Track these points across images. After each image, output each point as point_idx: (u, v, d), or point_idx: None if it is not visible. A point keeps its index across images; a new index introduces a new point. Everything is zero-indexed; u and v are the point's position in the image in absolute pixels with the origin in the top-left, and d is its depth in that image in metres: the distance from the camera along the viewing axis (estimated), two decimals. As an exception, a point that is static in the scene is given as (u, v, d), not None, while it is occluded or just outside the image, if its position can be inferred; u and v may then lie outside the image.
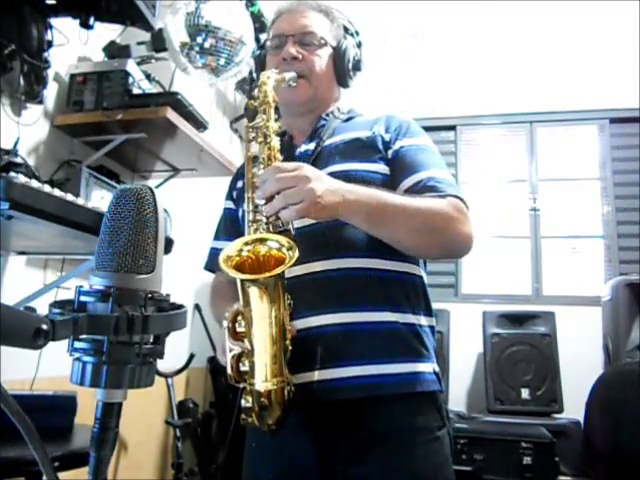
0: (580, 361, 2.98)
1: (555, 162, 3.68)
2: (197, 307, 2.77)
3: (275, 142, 1.01)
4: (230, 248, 0.87)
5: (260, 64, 1.27)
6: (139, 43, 1.96)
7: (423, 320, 1.06)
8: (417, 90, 3.67)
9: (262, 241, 0.89)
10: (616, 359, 2.74)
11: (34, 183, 1.11)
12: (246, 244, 0.88)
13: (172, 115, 1.78)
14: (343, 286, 1.02)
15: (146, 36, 1.95)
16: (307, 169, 0.91)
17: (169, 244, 1.54)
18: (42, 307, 0.48)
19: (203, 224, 2.74)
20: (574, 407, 2.68)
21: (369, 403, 0.98)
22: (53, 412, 1.39)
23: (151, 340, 0.52)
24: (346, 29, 1.23)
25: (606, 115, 3.56)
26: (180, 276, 2.33)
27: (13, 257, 1.67)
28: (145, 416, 2.30)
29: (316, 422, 0.99)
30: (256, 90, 1.08)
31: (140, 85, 1.83)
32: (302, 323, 0.97)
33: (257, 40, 2.53)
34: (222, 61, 1.98)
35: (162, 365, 2.28)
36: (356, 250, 1.03)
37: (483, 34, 3.52)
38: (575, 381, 2.73)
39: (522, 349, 3.02)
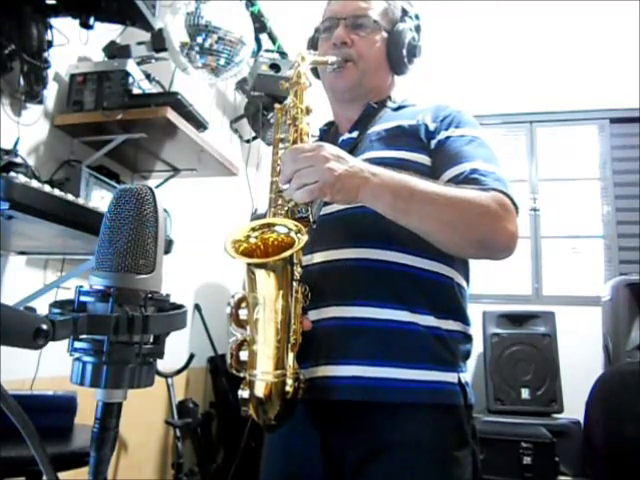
0: (580, 361, 2.98)
1: (555, 162, 3.68)
2: (197, 307, 2.77)
3: (305, 125, 0.96)
4: (237, 232, 0.84)
5: (313, 48, 1.18)
6: (139, 43, 1.96)
7: (452, 325, 0.97)
8: (416, 90, 3.67)
9: (269, 226, 0.85)
10: (616, 359, 2.74)
11: (34, 183, 1.12)
12: (253, 230, 0.85)
13: (172, 115, 1.78)
14: (360, 278, 0.95)
15: (146, 36, 1.95)
16: (327, 149, 0.84)
17: (169, 244, 1.53)
18: (42, 307, 0.48)
19: (203, 224, 2.75)
20: (574, 407, 2.68)
21: (373, 408, 0.90)
22: (53, 412, 1.39)
23: (151, 340, 0.52)
24: (405, 11, 1.14)
25: (606, 115, 3.56)
26: (180, 276, 2.33)
27: (13, 257, 1.67)
28: (145, 416, 2.30)
29: (324, 423, 0.94)
30: (290, 70, 1.01)
31: (140, 85, 1.83)
32: (315, 314, 0.93)
33: (257, 40, 2.54)
34: (222, 61, 1.98)
35: (162, 365, 2.28)
36: (383, 241, 0.95)
37: (483, 34, 3.52)
38: (575, 381, 2.73)
39: (522, 349, 3.02)
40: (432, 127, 1.03)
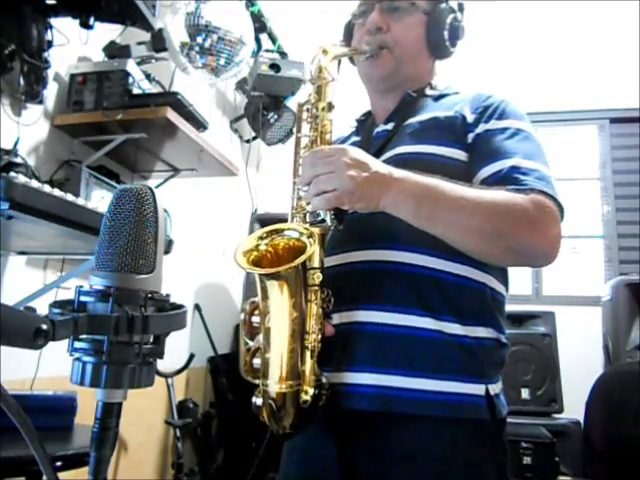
0: (580, 361, 2.97)
1: (555, 162, 3.68)
2: (197, 307, 2.77)
3: (327, 123, 0.91)
4: (245, 242, 0.81)
5: (348, 34, 1.11)
6: (139, 43, 1.96)
7: (481, 332, 0.89)
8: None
9: (278, 232, 0.83)
10: (616, 359, 2.74)
11: (34, 183, 1.11)
12: (261, 238, 0.82)
13: (172, 115, 1.78)
14: (382, 281, 0.89)
15: (146, 36, 1.95)
16: (348, 154, 0.80)
17: (169, 244, 1.53)
18: (42, 307, 0.48)
19: (203, 224, 2.75)
20: (574, 407, 2.68)
21: (391, 419, 0.85)
22: (53, 412, 1.39)
23: (151, 340, 0.52)
24: None
25: (606, 115, 3.56)
26: (180, 276, 2.34)
27: (13, 257, 1.67)
28: (145, 416, 2.30)
29: (341, 431, 0.89)
30: (311, 65, 0.95)
31: (140, 85, 1.83)
32: (336, 317, 0.88)
33: (257, 40, 2.54)
34: (222, 61, 1.98)
35: (162, 365, 2.28)
36: (408, 243, 0.88)
37: (482, 34, 3.51)
38: (575, 381, 2.73)
39: (522, 349, 3.02)
40: (470, 119, 0.95)
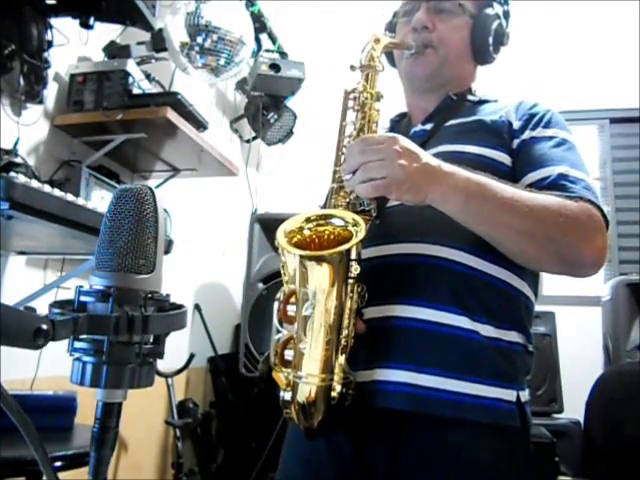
0: (580, 361, 2.97)
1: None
2: (197, 307, 2.77)
3: (374, 112, 0.91)
4: (290, 223, 0.79)
5: (390, 32, 1.10)
6: (139, 43, 1.96)
7: (514, 337, 0.87)
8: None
9: (326, 217, 0.80)
10: (616, 359, 2.74)
11: (34, 183, 1.11)
12: (308, 220, 0.80)
13: (172, 115, 1.78)
14: (417, 275, 0.86)
15: (146, 36, 1.95)
16: (399, 142, 0.78)
17: (169, 244, 1.53)
18: (42, 307, 0.48)
19: (203, 224, 2.75)
20: (574, 407, 2.68)
21: (419, 420, 0.81)
22: (53, 412, 1.39)
23: (151, 340, 0.53)
24: None
25: (606, 115, 3.55)
26: (180, 276, 2.34)
27: (13, 257, 1.67)
28: (145, 416, 2.30)
29: (360, 429, 0.84)
30: (361, 53, 0.94)
31: (140, 85, 1.83)
32: (368, 312, 0.83)
33: (257, 40, 2.54)
34: (222, 61, 1.98)
35: (162, 365, 2.28)
36: (448, 238, 0.86)
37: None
38: (575, 381, 2.73)
39: (522, 349, 3.02)
40: (516, 125, 0.96)
